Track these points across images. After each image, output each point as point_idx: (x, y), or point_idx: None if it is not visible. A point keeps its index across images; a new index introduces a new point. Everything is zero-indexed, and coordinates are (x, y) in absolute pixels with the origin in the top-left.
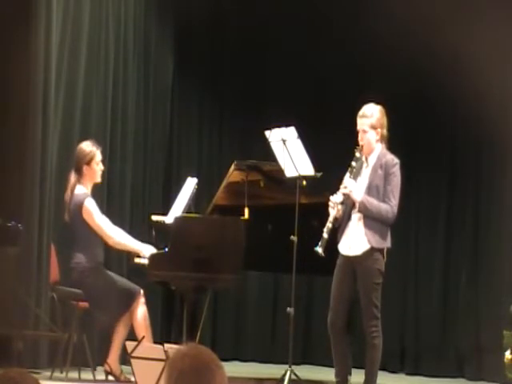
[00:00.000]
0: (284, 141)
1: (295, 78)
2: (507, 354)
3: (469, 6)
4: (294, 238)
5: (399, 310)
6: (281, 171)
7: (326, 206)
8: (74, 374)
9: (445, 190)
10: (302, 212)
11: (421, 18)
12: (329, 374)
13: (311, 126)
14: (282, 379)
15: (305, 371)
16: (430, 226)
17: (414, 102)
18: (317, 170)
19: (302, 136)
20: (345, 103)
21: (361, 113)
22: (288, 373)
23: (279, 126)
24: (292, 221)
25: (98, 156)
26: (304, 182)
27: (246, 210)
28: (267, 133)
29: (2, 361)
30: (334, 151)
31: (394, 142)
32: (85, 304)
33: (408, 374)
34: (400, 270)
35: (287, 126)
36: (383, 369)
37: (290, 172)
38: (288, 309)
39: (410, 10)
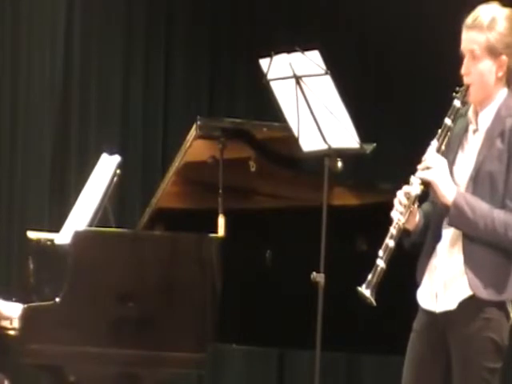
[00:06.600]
0: (298, 78)
1: None
2: None
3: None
4: (317, 275)
5: None
6: (291, 141)
7: (389, 211)
8: None
9: None
10: (336, 224)
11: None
12: None
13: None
14: None
15: None
16: None
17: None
18: (365, 139)
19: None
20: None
21: (469, 20)
22: None
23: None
24: (314, 242)
25: None
26: (339, 164)
27: (222, 221)
28: (263, 62)
29: None
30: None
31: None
32: None
33: None
34: None
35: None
36: None
37: (309, 143)
38: None
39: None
